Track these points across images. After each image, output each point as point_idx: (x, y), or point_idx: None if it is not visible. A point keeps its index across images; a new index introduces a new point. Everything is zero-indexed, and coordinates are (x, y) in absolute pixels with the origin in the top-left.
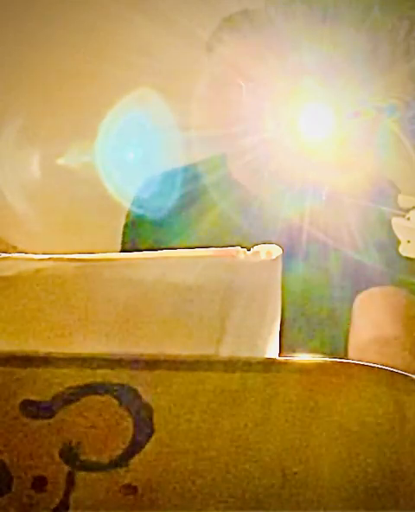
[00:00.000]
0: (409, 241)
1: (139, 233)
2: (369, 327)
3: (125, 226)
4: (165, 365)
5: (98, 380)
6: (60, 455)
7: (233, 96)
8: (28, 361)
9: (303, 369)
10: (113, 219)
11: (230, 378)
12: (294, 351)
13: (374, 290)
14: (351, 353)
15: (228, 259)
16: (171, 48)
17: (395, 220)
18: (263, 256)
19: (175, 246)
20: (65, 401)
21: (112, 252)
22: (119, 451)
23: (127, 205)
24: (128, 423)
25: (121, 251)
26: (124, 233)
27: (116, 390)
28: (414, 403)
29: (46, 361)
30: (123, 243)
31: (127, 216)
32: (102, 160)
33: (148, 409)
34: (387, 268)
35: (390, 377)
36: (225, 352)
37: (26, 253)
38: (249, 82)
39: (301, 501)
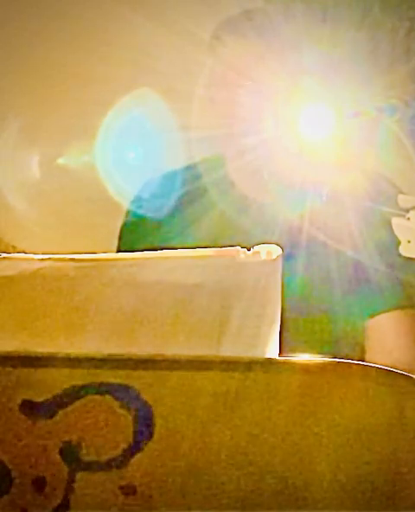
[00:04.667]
0: (409, 241)
1: (137, 234)
2: (382, 356)
3: (123, 226)
4: (165, 365)
5: (99, 380)
6: (60, 455)
7: (233, 96)
8: (28, 361)
9: (303, 369)
10: (113, 219)
11: (230, 378)
12: (294, 351)
13: (384, 316)
14: None
15: (228, 259)
16: (171, 47)
17: (395, 220)
18: (263, 256)
19: (175, 246)
20: (65, 401)
21: (112, 252)
22: (119, 451)
23: (126, 205)
24: (128, 423)
25: (117, 251)
26: (121, 234)
27: (116, 390)
28: (414, 403)
29: (46, 361)
30: (119, 243)
31: (125, 217)
32: (102, 160)
33: (148, 409)
34: (387, 268)
35: (390, 377)
36: (225, 352)
37: (26, 253)
38: (249, 82)
39: (301, 501)
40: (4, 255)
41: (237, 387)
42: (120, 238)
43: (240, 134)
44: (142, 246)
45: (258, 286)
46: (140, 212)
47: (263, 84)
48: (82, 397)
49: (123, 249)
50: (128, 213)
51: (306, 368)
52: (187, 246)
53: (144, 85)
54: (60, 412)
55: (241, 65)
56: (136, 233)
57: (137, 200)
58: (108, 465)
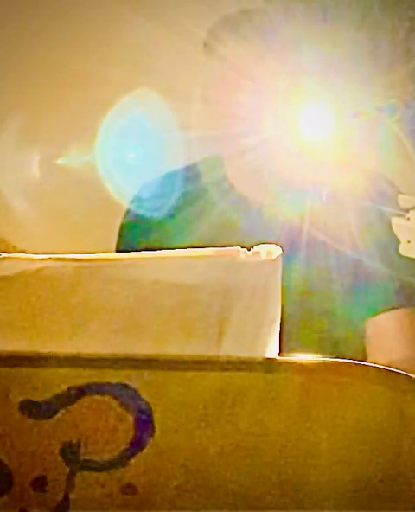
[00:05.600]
0: (409, 241)
1: (136, 234)
2: (382, 356)
3: (122, 226)
4: (165, 365)
5: (99, 380)
6: (61, 455)
7: (232, 96)
8: (28, 361)
9: (303, 369)
10: (113, 219)
11: (230, 378)
12: (294, 351)
13: (383, 316)
14: None
15: (228, 259)
16: (171, 47)
17: (395, 220)
18: (263, 256)
19: (175, 246)
20: (65, 401)
21: (112, 252)
22: (119, 451)
23: (126, 205)
24: (128, 423)
25: (117, 251)
26: (120, 234)
27: (116, 390)
28: (414, 403)
29: (46, 361)
30: (119, 243)
31: (125, 216)
32: (102, 160)
33: (148, 409)
34: (387, 268)
35: (390, 377)
36: (225, 352)
37: (26, 253)
38: (249, 82)
39: (300, 501)
40: (4, 255)
41: (237, 387)
42: (120, 238)
43: (240, 134)
44: (142, 246)
45: (258, 286)
46: (140, 212)
47: (263, 84)
48: (82, 397)
49: (122, 249)
50: (128, 213)
51: (306, 368)
52: (187, 246)
53: (144, 85)
54: (60, 412)
55: (241, 65)
56: (135, 233)
57: (137, 200)
58: (108, 465)
